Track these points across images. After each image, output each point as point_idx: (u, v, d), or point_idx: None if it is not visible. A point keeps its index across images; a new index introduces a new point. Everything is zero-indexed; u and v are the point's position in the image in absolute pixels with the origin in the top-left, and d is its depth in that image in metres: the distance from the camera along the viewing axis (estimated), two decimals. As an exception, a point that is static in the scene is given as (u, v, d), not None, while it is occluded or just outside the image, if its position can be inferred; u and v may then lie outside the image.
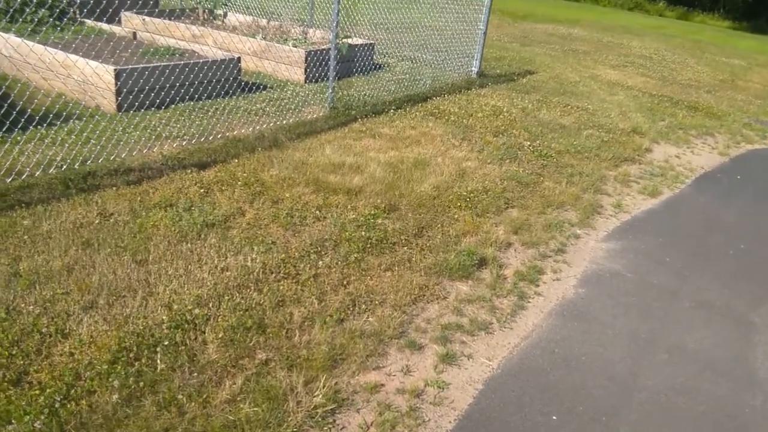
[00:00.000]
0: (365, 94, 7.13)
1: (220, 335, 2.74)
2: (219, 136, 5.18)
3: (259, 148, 5.03)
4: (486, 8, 8.78)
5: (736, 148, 7.43)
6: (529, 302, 3.48)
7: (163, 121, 5.31)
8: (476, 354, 2.97)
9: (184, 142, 4.90)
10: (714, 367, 3.10)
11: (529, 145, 6.13)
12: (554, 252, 4.11)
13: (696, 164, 6.52)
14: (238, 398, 2.43)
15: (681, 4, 35.97)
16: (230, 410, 2.36)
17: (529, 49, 13.22)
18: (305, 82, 7.44)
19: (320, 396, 2.48)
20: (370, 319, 3.06)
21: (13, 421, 2.16)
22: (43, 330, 2.62)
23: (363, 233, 3.87)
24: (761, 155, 7.38)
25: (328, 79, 6.51)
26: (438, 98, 7.54)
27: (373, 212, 4.19)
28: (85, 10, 8.08)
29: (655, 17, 32.54)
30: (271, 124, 5.68)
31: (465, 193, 4.69)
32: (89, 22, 8.00)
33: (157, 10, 9.26)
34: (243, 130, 5.41)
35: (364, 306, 3.15)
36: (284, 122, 5.82)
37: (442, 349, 2.94)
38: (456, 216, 4.33)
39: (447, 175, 5.00)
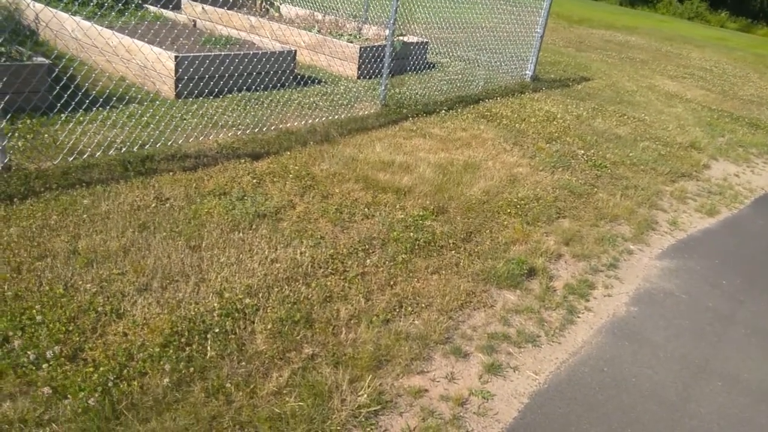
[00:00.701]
0: (417, 93, 7.10)
1: (268, 326, 2.76)
2: (272, 127, 5.23)
3: (311, 142, 5.06)
4: (544, 11, 8.63)
5: (799, 170, 7.12)
6: (578, 317, 3.41)
7: (220, 109, 5.39)
8: (522, 366, 2.92)
9: (239, 132, 4.96)
10: (771, 399, 2.97)
11: (583, 154, 6.00)
12: (606, 267, 4.01)
13: (756, 184, 6.28)
14: (284, 391, 2.44)
15: (744, 15, 34.74)
16: (276, 402, 2.37)
17: (585, 55, 12.95)
18: (358, 77, 7.45)
19: (365, 396, 2.48)
20: (415, 321, 3.04)
21: (68, 396, 2.22)
22: (99, 309, 2.68)
23: (411, 234, 3.85)
24: (827, 179, 7.05)
25: (381, 75, 6.50)
26: (490, 101, 7.46)
27: (421, 213, 4.16)
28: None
29: (716, 28, 31.49)
30: (323, 119, 5.71)
31: (515, 200, 4.62)
32: (152, 8, 8.19)
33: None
34: (296, 123, 5.45)
35: (410, 308, 3.14)
36: (336, 117, 5.84)
37: (487, 358, 2.90)
38: (505, 222, 4.27)
39: (497, 180, 4.94)
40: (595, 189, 5.23)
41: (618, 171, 5.79)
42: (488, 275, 3.56)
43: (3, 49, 4.42)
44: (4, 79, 3.62)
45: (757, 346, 3.42)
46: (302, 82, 6.75)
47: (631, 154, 6.30)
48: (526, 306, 3.37)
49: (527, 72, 8.93)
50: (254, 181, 4.19)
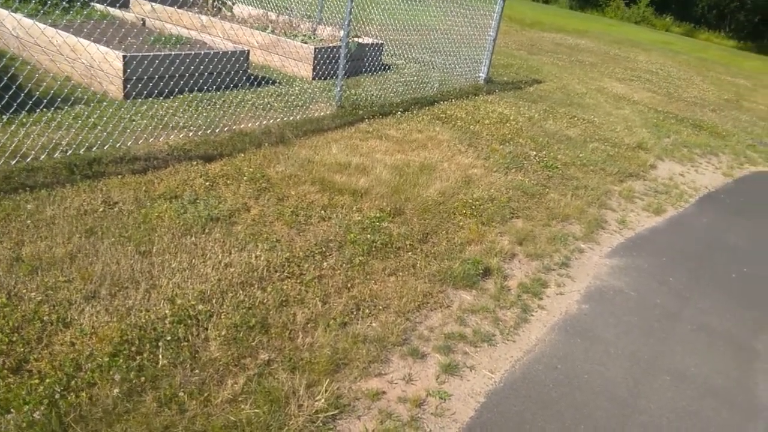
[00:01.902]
0: (373, 95, 7.11)
1: (222, 333, 2.71)
2: (225, 128, 5.14)
3: (266, 144, 5.00)
4: (497, 15, 8.76)
5: (739, 170, 7.44)
6: (532, 315, 3.47)
7: (170, 110, 5.26)
8: (479, 366, 2.95)
9: (191, 133, 4.86)
10: (715, 393, 3.09)
11: (535, 156, 6.12)
12: (558, 265, 4.10)
13: (700, 183, 6.53)
14: (240, 398, 2.40)
15: (687, 20, 36.11)
16: (231, 410, 2.33)
17: (537, 58, 13.22)
18: (313, 78, 7.41)
19: (322, 401, 2.46)
20: (373, 324, 3.04)
21: (12, 410, 2.13)
22: (45, 318, 2.58)
23: (368, 236, 3.85)
24: (765, 178, 7.39)
25: (336, 76, 6.48)
26: (445, 102, 7.52)
27: (378, 215, 4.16)
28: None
29: (661, 32, 32.62)
30: (278, 120, 5.65)
31: (470, 201, 4.67)
32: (99, 6, 7.94)
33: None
34: (250, 124, 5.37)
35: (367, 310, 3.13)
36: (291, 118, 5.78)
37: (444, 358, 2.92)
38: (461, 223, 4.31)
39: (453, 182, 4.98)
40: (547, 189, 5.33)
41: (569, 171, 5.92)
42: (445, 276, 3.59)
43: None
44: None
45: (703, 342, 3.55)
46: (256, 83, 6.67)
47: (581, 155, 6.46)
48: (481, 306, 3.41)
49: (481, 74, 9.05)
50: (207, 183, 4.11)
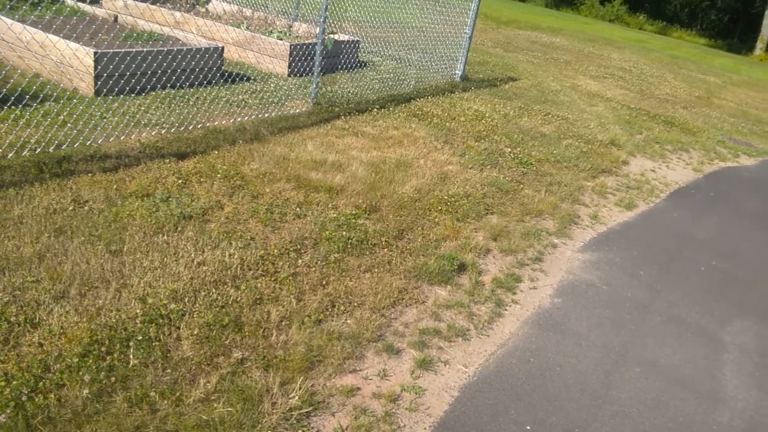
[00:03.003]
0: (349, 92, 7.10)
1: (195, 332, 2.69)
2: (199, 126, 5.09)
3: (240, 141, 4.96)
4: (473, 12, 8.81)
5: (709, 165, 7.59)
6: (506, 310, 3.50)
7: (142, 107, 5.20)
8: (453, 360, 2.97)
9: (163, 131, 4.80)
10: (683, 383, 3.15)
11: (510, 152, 6.17)
12: (532, 260, 4.14)
13: (671, 179, 6.64)
14: (212, 397, 2.38)
15: (660, 18, 36.68)
16: (203, 409, 2.31)
17: (512, 56, 13.31)
18: (288, 75, 7.37)
19: (296, 398, 2.46)
20: (348, 321, 3.04)
21: (-24, 413, 2.09)
22: (12, 319, 2.54)
23: (343, 233, 3.84)
24: (734, 173, 7.55)
25: (312, 73, 6.45)
26: (421, 99, 7.54)
27: (354, 212, 4.16)
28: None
29: (635, 30, 33.07)
30: (253, 117, 5.61)
31: (446, 197, 4.69)
32: (69, 1, 7.80)
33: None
34: (224, 121, 5.33)
35: (342, 307, 3.13)
36: (266, 115, 5.75)
37: (419, 354, 2.94)
38: (436, 220, 4.33)
39: (428, 178, 5.00)
40: (522, 185, 5.38)
41: (543, 168, 5.98)
42: (420, 272, 3.60)
43: None
44: None
45: (673, 333, 3.61)
46: (230, 80, 6.61)
47: (555, 152, 6.53)
48: (456, 301, 3.43)
49: (457, 72, 9.09)
50: (180, 181, 4.07)
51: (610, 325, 3.56)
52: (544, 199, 5.14)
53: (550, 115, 8.15)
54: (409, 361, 2.89)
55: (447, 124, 6.70)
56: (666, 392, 3.05)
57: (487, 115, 7.38)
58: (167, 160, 4.32)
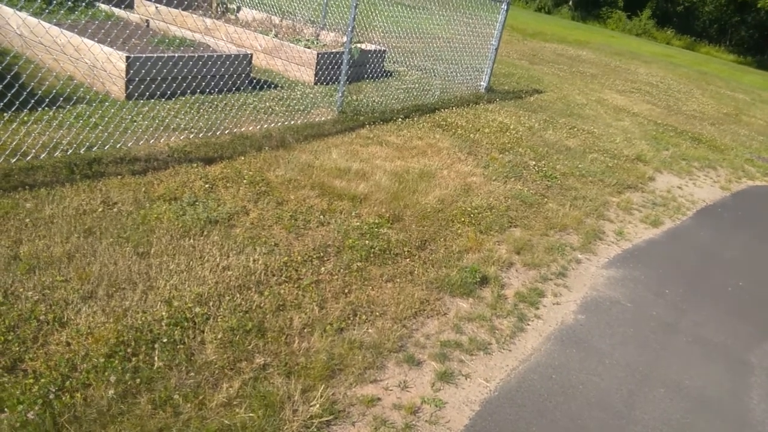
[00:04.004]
0: (374, 101, 7.13)
1: (219, 336, 2.71)
2: (226, 131, 5.15)
3: (266, 147, 5.01)
4: (500, 24, 8.80)
5: (737, 183, 7.47)
6: (528, 325, 3.47)
7: (172, 112, 5.27)
8: (474, 374, 2.95)
9: (192, 135, 4.87)
10: (709, 405, 3.09)
11: (535, 165, 6.14)
12: (555, 275, 4.10)
13: (698, 197, 6.55)
14: (234, 402, 2.40)
15: (689, 33, 36.29)
16: (226, 414, 2.33)
17: (538, 68, 13.27)
18: (315, 83, 7.43)
19: (317, 406, 2.46)
20: (369, 330, 3.04)
21: (5, 409, 2.13)
22: (41, 317, 2.58)
23: (366, 242, 3.85)
24: (762, 193, 7.42)
25: (338, 82, 6.50)
26: (446, 110, 7.55)
27: (377, 221, 4.17)
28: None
29: (662, 45, 32.77)
30: (279, 124, 5.66)
31: (469, 209, 4.68)
32: (104, 6, 7.96)
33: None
34: (251, 128, 5.38)
35: (364, 316, 3.13)
36: (292, 122, 5.80)
37: (440, 366, 2.93)
38: (459, 231, 4.32)
39: (452, 189, 5.00)
40: (546, 199, 5.35)
41: (567, 182, 5.94)
42: (442, 283, 3.59)
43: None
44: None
45: (698, 354, 3.55)
46: (258, 87, 6.68)
47: (580, 166, 6.48)
48: (478, 314, 3.41)
49: (482, 83, 9.08)
50: (206, 186, 4.12)
51: (635, 344, 3.51)
52: (569, 214, 5.10)
53: (575, 129, 8.10)
54: (430, 373, 2.88)
55: (471, 135, 6.69)
56: (691, 414, 2.99)
57: (511, 127, 7.36)
58: (195, 165, 4.37)
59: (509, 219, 4.73)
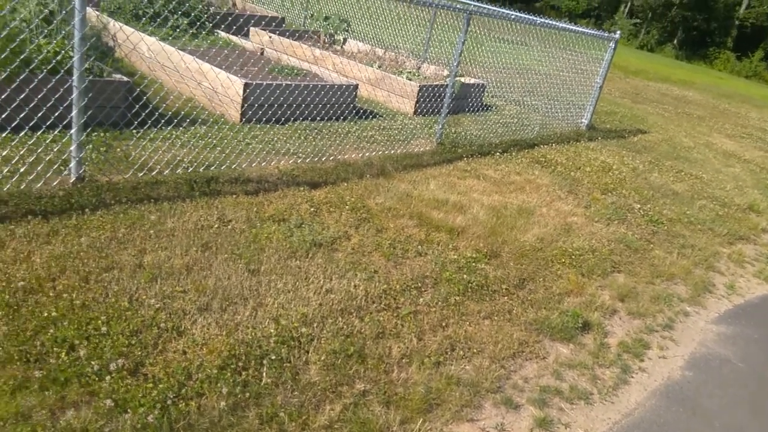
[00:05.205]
0: (472, 134, 7.14)
1: (322, 358, 2.77)
2: (331, 157, 5.32)
3: (367, 175, 5.13)
4: (606, 62, 8.63)
5: None
6: (632, 377, 3.32)
7: (282, 136, 5.52)
8: (574, 424, 2.85)
9: (299, 160, 5.07)
10: (838, 486, 2.82)
11: (639, 208, 5.91)
12: (661, 327, 3.91)
13: (820, 254, 6.05)
14: (336, 426, 2.44)
15: (807, 77, 33.99)
16: (327, 437, 2.37)
17: (641, 107, 12.83)
18: (414, 114, 7.55)
19: (415, 439, 2.46)
20: (467, 367, 3.01)
21: (128, 410, 2.27)
22: (161, 325, 2.75)
23: (464, 276, 3.84)
24: None
25: (437, 114, 6.57)
26: (545, 146, 7.44)
27: (474, 255, 4.15)
28: (218, 21, 8.62)
29: (776, 88, 30.83)
30: (380, 153, 5.79)
31: (570, 250, 4.56)
32: (222, 33, 8.51)
33: (281, 29, 9.73)
34: (353, 155, 5.54)
35: (461, 352, 3.11)
36: (392, 152, 5.91)
37: (539, 412, 2.84)
38: (559, 272, 4.22)
39: (551, 228, 4.90)
40: (651, 245, 5.12)
41: (674, 228, 5.67)
42: (542, 325, 3.51)
43: (89, 65, 4.65)
44: (90, 95, 3.80)
45: (822, 427, 3.25)
46: (361, 116, 6.87)
47: (688, 212, 6.17)
48: (579, 361, 3.30)
49: (583, 120, 8.89)
50: (312, 209, 4.26)
51: (746, 408, 3.27)
52: (676, 263, 4.86)
53: (682, 173, 7.74)
54: (528, 418, 2.81)
55: (571, 173, 6.55)
56: (816, 494, 2.74)
57: (614, 167, 7.14)
58: (301, 188, 4.54)
59: (612, 263, 4.57)
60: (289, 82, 5.99)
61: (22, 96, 3.65)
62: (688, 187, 7.19)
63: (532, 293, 3.87)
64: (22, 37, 3.96)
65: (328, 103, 6.33)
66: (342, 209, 4.37)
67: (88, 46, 3.60)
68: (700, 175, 7.86)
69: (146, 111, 4.48)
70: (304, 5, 12.18)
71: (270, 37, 8.53)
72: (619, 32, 9.08)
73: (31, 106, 3.73)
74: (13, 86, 3.63)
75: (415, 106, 7.53)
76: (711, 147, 10.18)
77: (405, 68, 8.55)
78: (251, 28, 9.11)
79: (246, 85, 5.49)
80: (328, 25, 9.44)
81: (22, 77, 3.68)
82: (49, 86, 3.83)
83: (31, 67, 3.79)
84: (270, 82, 5.74)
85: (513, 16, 7.03)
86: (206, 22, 8.25)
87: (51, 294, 2.78)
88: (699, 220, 6.02)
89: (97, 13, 7.24)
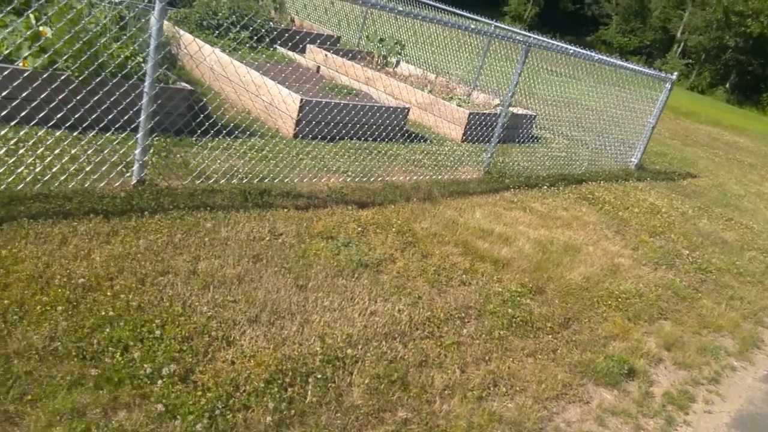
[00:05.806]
0: (520, 165, 7.11)
1: (366, 381, 2.78)
2: (379, 178, 5.36)
3: (414, 198, 5.14)
4: (660, 102, 8.53)
5: None
6: (676, 430, 3.22)
7: (332, 154, 5.59)
8: (617, 473, 2.78)
9: (348, 179, 5.12)
10: None
11: (688, 255, 5.78)
12: (707, 380, 3.80)
13: None
14: (377, 452, 2.43)
15: None
16: (368, 462, 2.37)
17: (691, 150, 12.60)
18: (462, 141, 7.56)
19: (456, 474, 2.43)
20: (509, 404, 2.98)
21: (178, 416, 2.31)
22: (212, 333, 2.80)
23: (508, 310, 3.81)
24: None
25: (484, 141, 6.57)
26: (593, 183, 7.36)
27: (518, 290, 4.11)
28: (276, 36, 8.83)
29: (832, 140, 29.88)
30: (427, 177, 5.81)
31: (617, 292, 4.48)
32: (281, 48, 8.70)
33: (336, 47, 9.90)
34: (401, 177, 5.57)
35: (504, 389, 3.07)
36: (439, 177, 5.92)
37: (581, 457, 2.79)
38: (605, 314, 4.14)
39: (598, 268, 4.82)
40: (699, 294, 5.00)
41: (723, 278, 5.52)
42: (586, 369, 3.45)
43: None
44: (159, 101, 3.93)
45: None
46: (410, 139, 6.91)
47: (737, 263, 6.01)
48: (623, 408, 3.23)
49: (633, 159, 8.78)
50: (359, 229, 4.29)
51: (798, 476, 3.14)
52: (725, 314, 4.73)
53: (732, 221, 7.55)
54: (570, 462, 2.76)
55: (619, 213, 6.45)
56: None
57: (663, 210, 7.01)
58: (349, 207, 4.58)
59: (659, 310, 4.47)
60: (344, 101, 6.07)
61: (95, 98, 3.79)
62: (738, 236, 7.01)
63: (576, 334, 3.81)
64: (101, 42, 4.12)
65: (381, 125, 6.40)
66: (388, 231, 4.39)
67: (162, 54, 3.73)
68: (750, 225, 7.65)
69: (209, 121, 4.60)
70: (360, 26, 12.38)
71: (326, 55, 8.68)
72: (676, 73, 8.97)
73: (102, 108, 3.87)
74: (88, 88, 3.77)
75: (464, 132, 7.55)
76: (762, 197, 9.92)
77: (455, 94, 8.59)
78: (308, 46, 9.29)
79: (302, 102, 5.60)
80: (383, 46, 9.56)
81: (98, 80, 3.82)
82: (121, 90, 3.97)
83: (107, 71, 3.94)
84: (325, 101, 5.83)
85: (572, 51, 7.01)
86: (265, 36, 8.45)
87: (108, 293, 2.86)
88: (748, 272, 5.85)
89: (166, 22, 7.48)
